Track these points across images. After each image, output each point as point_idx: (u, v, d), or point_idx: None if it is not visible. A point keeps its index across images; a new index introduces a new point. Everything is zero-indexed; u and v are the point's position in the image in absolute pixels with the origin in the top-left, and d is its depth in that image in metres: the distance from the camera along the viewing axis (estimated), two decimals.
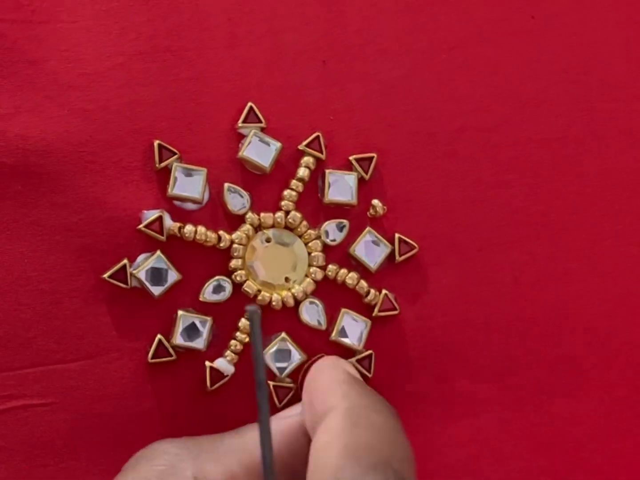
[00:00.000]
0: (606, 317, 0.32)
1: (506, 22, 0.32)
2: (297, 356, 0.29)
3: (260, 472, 0.24)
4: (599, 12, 0.32)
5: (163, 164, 0.28)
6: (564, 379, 0.32)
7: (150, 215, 0.28)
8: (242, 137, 0.29)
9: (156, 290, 0.28)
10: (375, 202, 0.30)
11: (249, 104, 0.29)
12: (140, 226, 0.28)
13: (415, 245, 0.31)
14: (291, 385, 0.29)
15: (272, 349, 0.29)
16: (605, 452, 0.33)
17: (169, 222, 0.28)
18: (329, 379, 0.26)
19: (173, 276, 0.28)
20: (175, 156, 0.28)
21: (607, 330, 0.32)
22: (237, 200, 0.29)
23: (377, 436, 0.23)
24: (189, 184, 0.28)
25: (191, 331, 0.28)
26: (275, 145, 0.29)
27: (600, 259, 0.32)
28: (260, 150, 0.29)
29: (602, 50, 0.32)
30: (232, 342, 0.29)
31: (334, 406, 0.24)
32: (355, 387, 0.25)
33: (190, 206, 0.29)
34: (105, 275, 0.27)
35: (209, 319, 0.28)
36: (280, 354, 0.29)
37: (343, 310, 0.30)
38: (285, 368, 0.29)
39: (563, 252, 0.32)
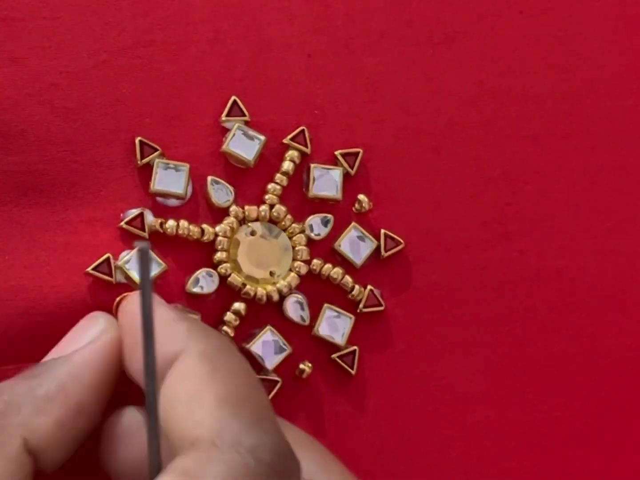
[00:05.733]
0: (595, 315, 0.35)
1: (494, 18, 0.34)
2: (283, 349, 0.32)
3: (86, 411, 0.25)
4: (588, 8, 0.34)
5: (145, 161, 0.30)
6: (554, 376, 0.34)
7: (132, 213, 0.30)
8: (226, 131, 0.32)
9: None
10: (361, 197, 0.33)
11: (233, 97, 0.32)
12: (122, 223, 0.30)
13: (401, 241, 0.33)
14: (277, 378, 0.32)
15: (257, 341, 0.31)
16: (597, 451, 0.35)
17: (150, 219, 0.31)
18: (161, 314, 0.25)
19: (159, 266, 0.30)
20: (157, 152, 0.31)
21: (597, 329, 0.35)
22: (220, 192, 0.31)
23: (243, 383, 0.22)
24: (171, 180, 0.31)
25: None
26: (260, 138, 0.31)
27: (589, 256, 0.34)
28: (244, 144, 0.31)
29: (590, 46, 0.34)
30: None
31: (181, 348, 0.23)
32: (195, 323, 0.25)
33: (173, 202, 0.31)
34: (89, 269, 0.30)
35: (197, 316, 0.31)
36: (266, 346, 0.31)
37: (325, 305, 0.32)
38: (271, 361, 0.31)
39: (551, 249, 0.34)
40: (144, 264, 0.20)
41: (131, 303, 0.26)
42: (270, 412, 0.23)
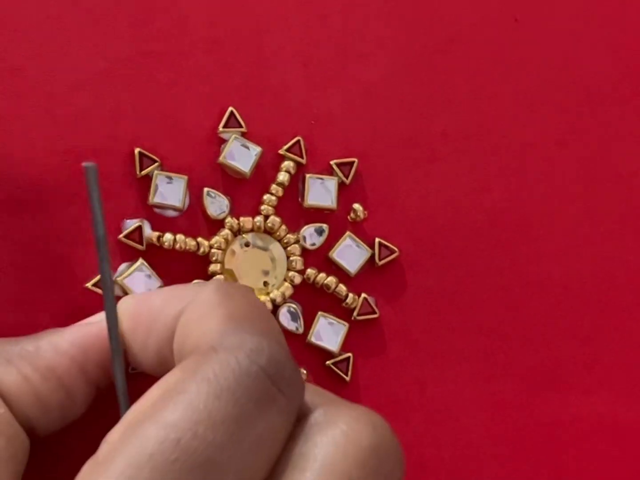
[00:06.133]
0: (589, 321, 0.35)
1: (488, 25, 0.34)
2: None
3: (56, 375, 0.26)
4: (583, 15, 0.35)
5: (144, 172, 0.31)
6: (547, 382, 0.35)
7: (131, 224, 0.31)
8: (223, 141, 0.32)
9: None
10: (356, 206, 0.33)
11: (230, 108, 0.32)
12: (120, 236, 0.31)
13: (396, 249, 0.33)
14: None
15: None
16: (591, 454, 0.36)
17: (148, 231, 0.31)
18: (170, 288, 0.26)
19: (155, 283, 0.31)
20: (156, 164, 0.31)
21: (590, 334, 0.35)
22: (216, 205, 0.32)
23: (255, 308, 0.23)
24: (169, 192, 0.31)
25: None
26: (256, 150, 0.32)
27: (583, 262, 0.35)
28: (240, 155, 0.32)
29: (586, 54, 0.35)
30: None
31: (197, 291, 0.24)
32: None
33: (170, 213, 0.32)
34: (89, 284, 0.31)
35: None
36: None
37: (319, 313, 0.33)
38: None
39: (544, 256, 0.35)
40: (92, 183, 0.22)
41: (125, 302, 0.27)
42: (278, 333, 0.23)
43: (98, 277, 0.31)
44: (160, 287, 0.31)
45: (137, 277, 0.31)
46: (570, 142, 0.35)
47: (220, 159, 0.32)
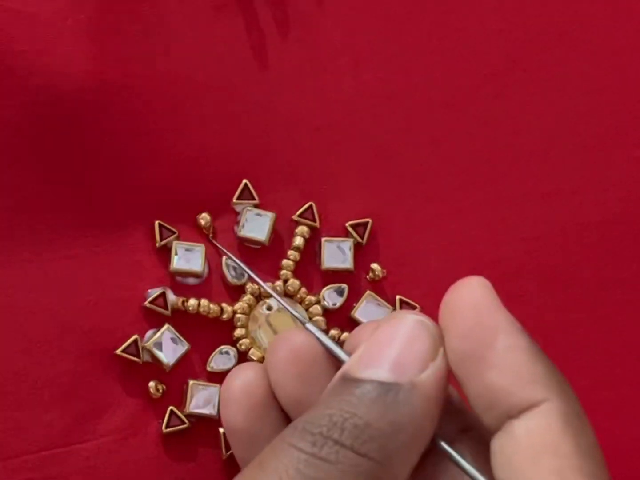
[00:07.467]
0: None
1: (503, 79, 0.35)
2: None
3: None
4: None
5: (163, 242, 0.32)
6: None
7: (155, 292, 0.32)
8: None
9: (169, 360, 0.32)
10: (374, 266, 0.34)
11: (244, 181, 0.33)
12: (146, 303, 0.32)
13: (417, 305, 0.34)
14: None
15: None
16: None
17: (172, 297, 0.32)
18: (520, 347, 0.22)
19: (183, 346, 0.32)
20: (174, 235, 0.32)
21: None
22: (235, 273, 0.33)
23: (599, 464, 0.21)
24: (189, 259, 0.32)
25: (202, 399, 0.32)
26: (268, 215, 0.33)
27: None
28: (255, 225, 0.33)
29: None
30: None
31: (540, 399, 0.21)
32: (550, 368, 0.22)
33: (191, 281, 0.33)
34: (118, 351, 0.31)
35: (218, 387, 0.32)
36: None
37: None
38: None
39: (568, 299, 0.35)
40: None
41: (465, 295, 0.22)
42: None
43: (126, 344, 0.31)
44: (187, 351, 0.32)
45: (164, 342, 0.31)
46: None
47: (239, 234, 0.33)
